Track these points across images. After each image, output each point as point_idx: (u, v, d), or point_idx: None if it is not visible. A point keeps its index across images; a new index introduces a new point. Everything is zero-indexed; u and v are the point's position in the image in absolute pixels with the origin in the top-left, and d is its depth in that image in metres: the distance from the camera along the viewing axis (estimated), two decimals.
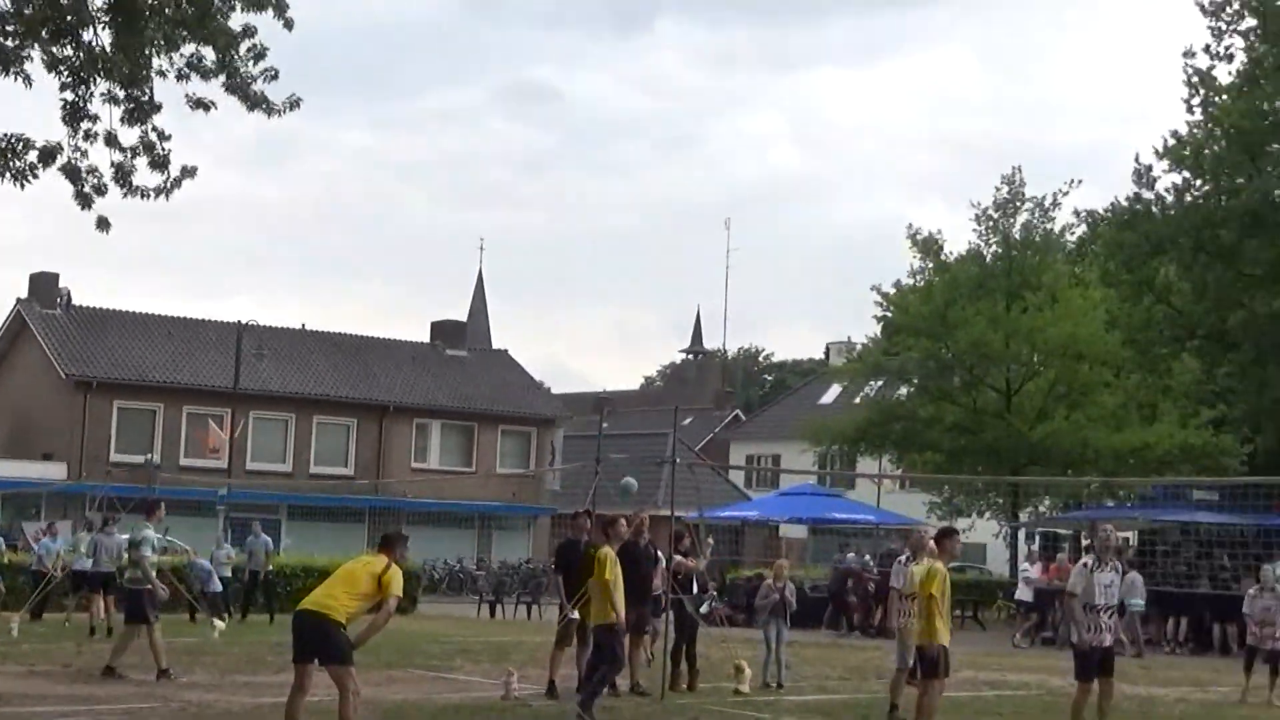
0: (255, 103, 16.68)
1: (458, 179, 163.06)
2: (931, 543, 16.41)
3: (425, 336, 66.77)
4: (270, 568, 33.83)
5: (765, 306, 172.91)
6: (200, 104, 16.82)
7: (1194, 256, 43.19)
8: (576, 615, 18.97)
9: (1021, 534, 47.28)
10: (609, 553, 16.90)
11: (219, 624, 27.90)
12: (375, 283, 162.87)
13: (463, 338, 69.03)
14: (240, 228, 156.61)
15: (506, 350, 71.64)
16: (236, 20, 16.46)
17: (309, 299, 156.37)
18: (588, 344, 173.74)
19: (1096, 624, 15.35)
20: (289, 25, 16.77)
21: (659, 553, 20.18)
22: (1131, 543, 39.96)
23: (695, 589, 21.04)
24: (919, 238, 46.78)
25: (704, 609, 21.99)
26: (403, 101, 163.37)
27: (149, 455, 46.09)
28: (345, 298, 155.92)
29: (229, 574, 33.23)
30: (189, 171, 16.94)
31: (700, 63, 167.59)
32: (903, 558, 19.44)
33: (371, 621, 12.97)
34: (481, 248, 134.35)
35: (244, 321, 51.62)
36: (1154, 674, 25.35)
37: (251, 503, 50.20)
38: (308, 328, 62.64)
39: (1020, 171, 46.30)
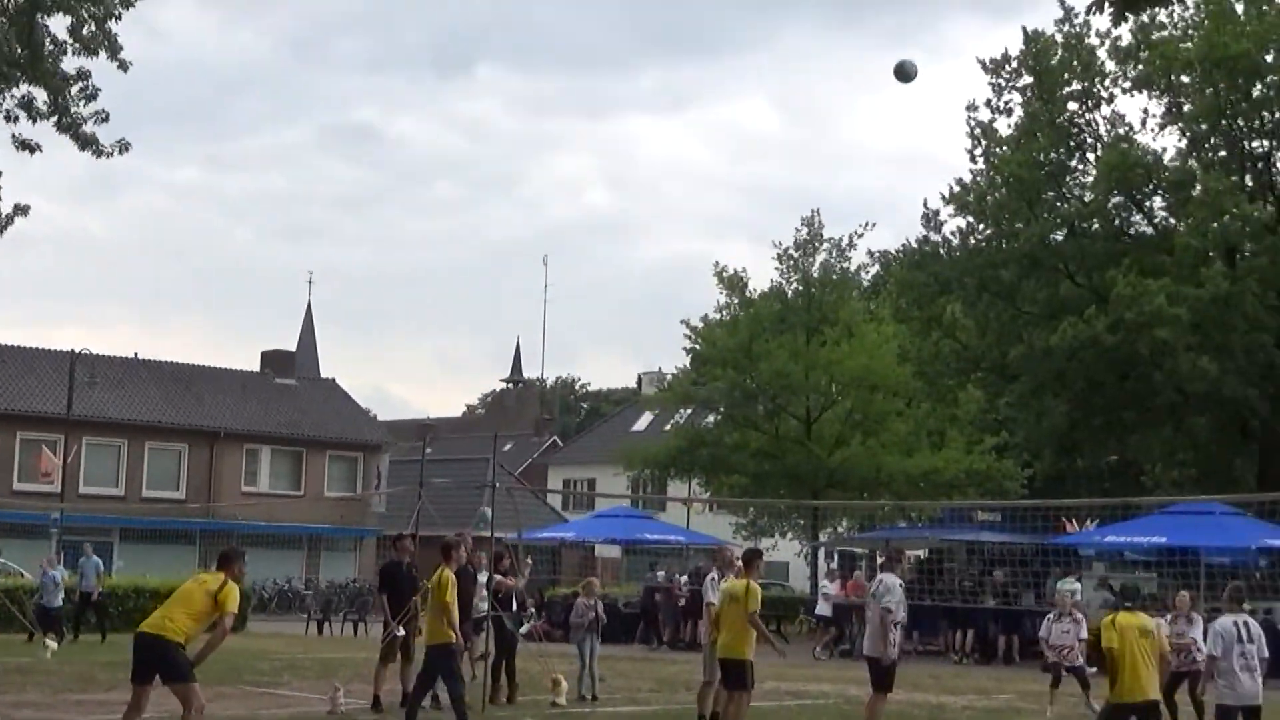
0: (86, 143, 16.33)
1: (286, 215, 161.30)
2: (739, 562, 16.50)
3: (255, 366, 65.89)
4: (101, 588, 32.97)
5: (581, 338, 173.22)
6: (26, 145, 16.39)
7: (977, 295, 44.10)
8: (401, 632, 18.81)
9: (821, 553, 47.77)
10: (450, 575, 16.49)
11: (50, 644, 27.12)
12: (206, 314, 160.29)
13: (292, 367, 68.17)
14: (71, 259, 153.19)
15: (334, 379, 70.87)
16: (71, 63, 16.12)
17: (141, 329, 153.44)
18: (412, 373, 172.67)
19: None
20: (124, 67, 16.46)
21: (478, 572, 20.09)
22: (923, 559, 40.64)
23: (515, 606, 20.96)
24: (725, 275, 47.11)
25: (524, 627, 21.91)
26: (232, 140, 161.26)
27: None
28: (176, 328, 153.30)
29: (62, 595, 32.35)
30: (21, 209, 16.53)
31: (517, 108, 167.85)
32: (713, 574, 19.52)
33: (208, 640, 12.71)
34: (310, 281, 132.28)
35: (77, 350, 50.40)
36: (943, 683, 25.75)
37: (85, 526, 49.04)
38: (140, 356, 61.42)
39: (819, 214, 46.90)
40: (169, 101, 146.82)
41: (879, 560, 42.88)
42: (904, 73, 15.67)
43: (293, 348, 77.17)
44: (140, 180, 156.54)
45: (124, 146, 16.56)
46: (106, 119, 16.27)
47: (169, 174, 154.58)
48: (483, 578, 20.29)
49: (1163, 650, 12.64)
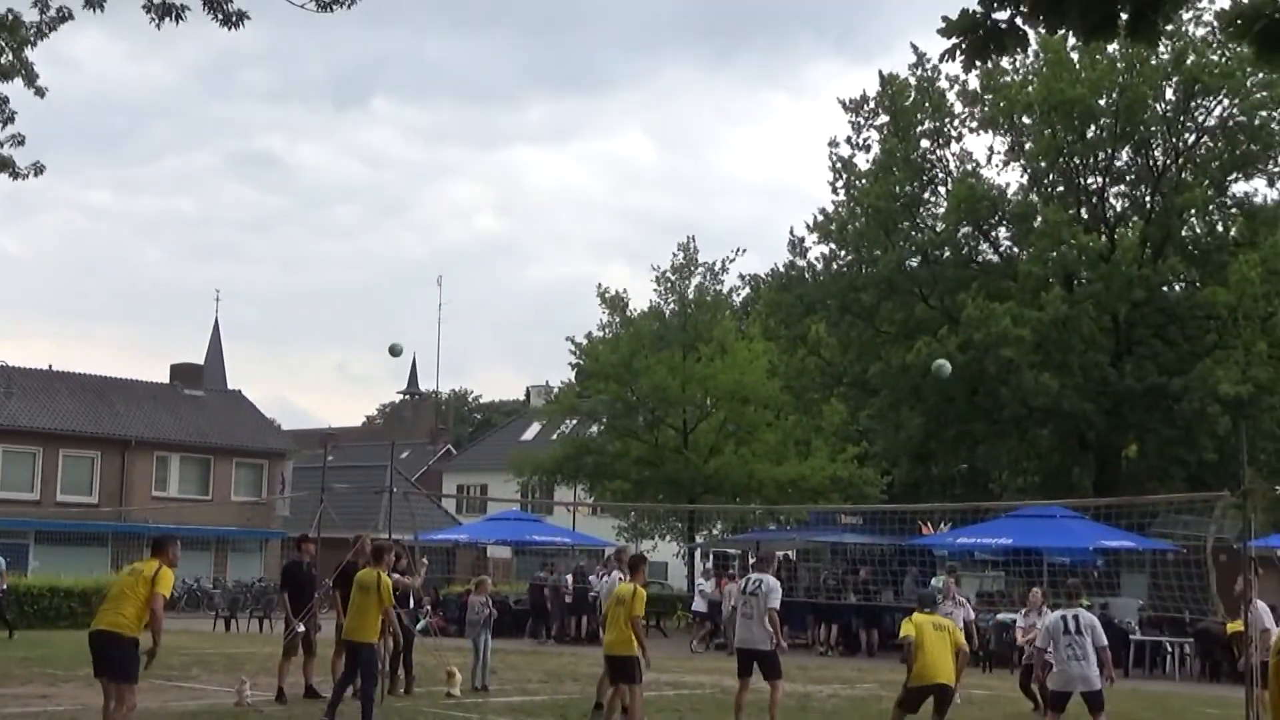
0: (2, 165, 15.95)
1: (194, 236, 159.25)
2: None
3: (165, 378, 64.85)
4: (4, 586, 31.97)
5: (473, 353, 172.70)
6: None
7: (840, 316, 44.52)
8: (302, 628, 18.56)
9: (698, 554, 47.89)
10: (387, 579, 16.10)
11: None
12: (117, 328, 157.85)
13: (200, 379, 67.21)
14: None
15: (240, 390, 69.85)
16: None
17: (55, 342, 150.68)
18: (314, 385, 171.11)
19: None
20: (40, 94, 16.10)
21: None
22: (792, 559, 40.83)
23: (411, 604, 20.75)
24: (607, 295, 47.16)
25: (420, 623, 21.68)
26: (142, 165, 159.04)
27: None
28: (90, 342, 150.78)
29: None
30: None
31: (412, 137, 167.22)
32: (617, 574, 19.46)
33: (151, 630, 12.46)
34: (218, 298, 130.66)
35: None
36: (809, 673, 25.83)
37: (1, 528, 47.96)
38: (54, 368, 60.29)
39: (694, 240, 47.31)
40: (81, 128, 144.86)
41: (751, 561, 43.11)
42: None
43: (201, 360, 75.99)
44: (55, 202, 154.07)
45: (39, 169, 16.17)
46: (22, 142, 15.91)
47: (82, 196, 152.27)
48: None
49: (959, 645, 12.84)
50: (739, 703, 16.11)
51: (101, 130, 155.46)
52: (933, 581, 27.79)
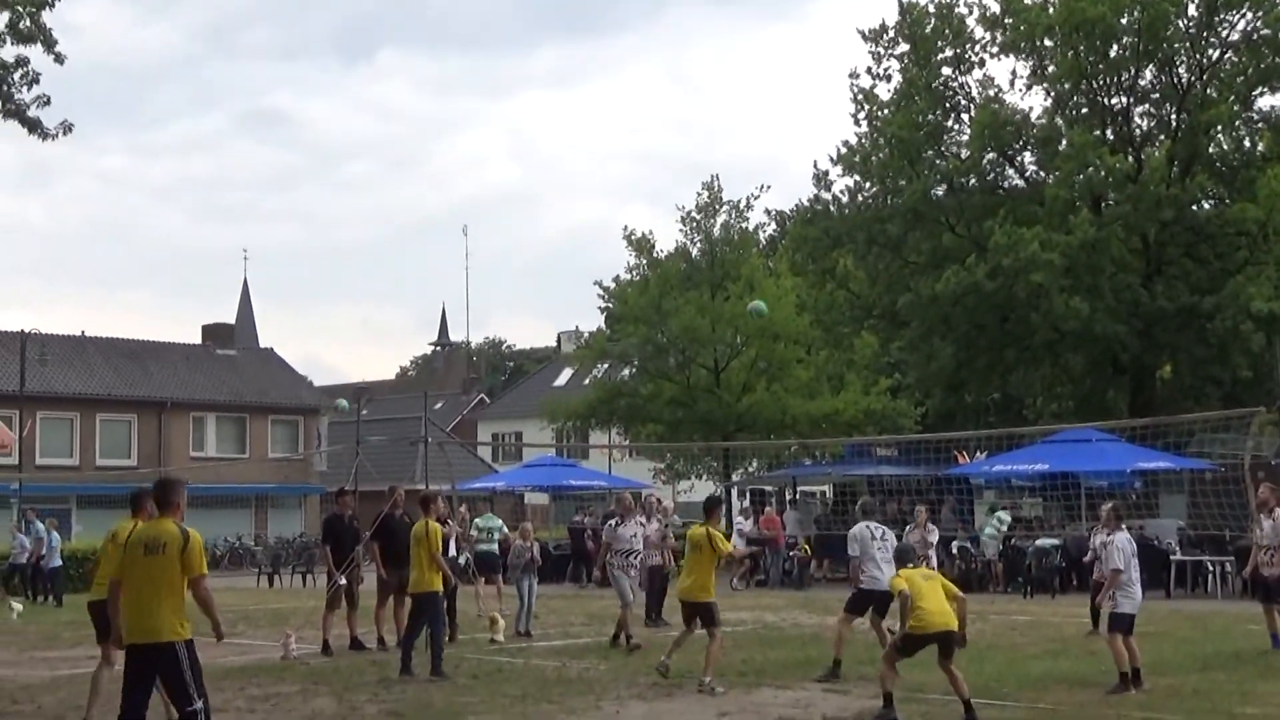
0: (32, 127, 15.91)
1: (212, 197, 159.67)
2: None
3: (197, 339, 65.15)
4: (58, 562, 32.27)
5: (502, 302, 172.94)
6: None
7: (867, 248, 44.30)
8: (344, 581, 18.68)
9: (735, 492, 47.97)
10: (436, 526, 16.18)
11: (16, 605, 26.71)
12: (145, 292, 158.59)
13: (232, 338, 67.56)
14: (11, 245, 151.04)
15: (272, 348, 70.18)
16: (8, 52, 15.70)
17: (86, 308, 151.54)
18: (341, 341, 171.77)
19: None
20: (60, 60, 16.07)
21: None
22: (828, 495, 40.86)
23: (453, 551, 20.84)
24: (633, 238, 47.00)
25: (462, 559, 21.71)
26: (154, 129, 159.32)
27: None
28: (119, 306, 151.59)
29: (24, 560, 31.88)
30: None
31: (422, 89, 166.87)
32: (640, 518, 19.48)
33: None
34: (246, 257, 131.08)
35: (26, 330, 49.49)
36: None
37: (43, 494, 48.36)
38: (87, 334, 60.65)
39: (718, 179, 46.83)
40: (91, 94, 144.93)
41: (788, 498, 43.22)
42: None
43: (232, 320, 76.34)
44: (72, 170, 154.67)
45: (67, 128, 16.11)
46: (48, 102, 15.87)
47: (98, 162, 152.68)
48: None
49: (953, 592, 12.58)
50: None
51: (112, 96, 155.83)
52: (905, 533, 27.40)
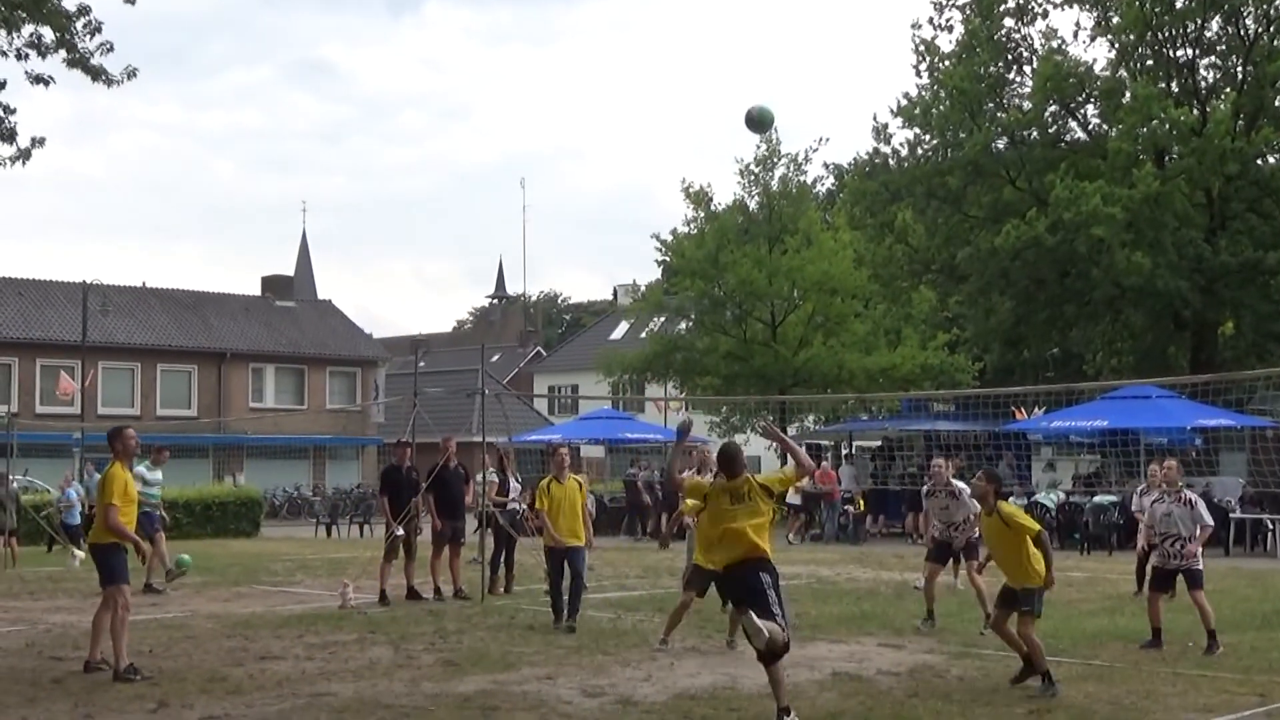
0: (96, 75, 15.95)
1: (264, 148, 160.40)
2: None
3: (256, 290, 65.69)
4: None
5: (559, 255, 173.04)
6: (40, 79, 16.07)
7: (926, 202, 43.98)
8: (402, 531, 18.84)
9: None
10: (574, 482, 16.31)
11: (79, 553, 27.08)
12: (203, 243, 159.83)
13: (290, 290, 68.03)
14: (69, 196, 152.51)
15: (331, 300, 70.74)
16: (71, 1, 15.76)
17: (145, 258, 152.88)
18: (396, 293, 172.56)
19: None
20: (131, 0, 16.15)
21: (468, 472, 20.14)
22: (884, 449, 40.78)
23: (517, 504, 20.88)
24: (691, 191, 46.89)
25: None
26: (203, 81, 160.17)
27: (4, 406, 44.84)
28: (178, 257, 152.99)
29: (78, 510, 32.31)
30: (38, 141, 16.22)
31: (469, 40, 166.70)
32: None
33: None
34: (304, 209, 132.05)
35: (88, 281, 50.04)
36: (906, 561, 25.87)
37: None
38: (148, 285, 61.32)
39: (776, 131, 46.54)
40: (142, 45, 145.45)
41: (843, 453, 43.14)
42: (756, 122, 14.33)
43: (290, 272, 76.87)
44: (126, 122, 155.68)
45: (131, 72, 16.10)
46: (111, 49, 15.86)
47: (151, 113, 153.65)
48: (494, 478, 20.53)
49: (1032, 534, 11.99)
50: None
51: (162, 47, 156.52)
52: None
